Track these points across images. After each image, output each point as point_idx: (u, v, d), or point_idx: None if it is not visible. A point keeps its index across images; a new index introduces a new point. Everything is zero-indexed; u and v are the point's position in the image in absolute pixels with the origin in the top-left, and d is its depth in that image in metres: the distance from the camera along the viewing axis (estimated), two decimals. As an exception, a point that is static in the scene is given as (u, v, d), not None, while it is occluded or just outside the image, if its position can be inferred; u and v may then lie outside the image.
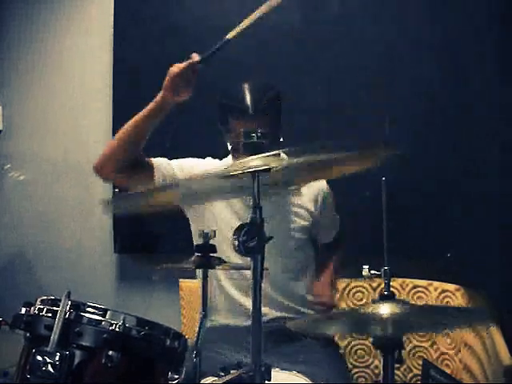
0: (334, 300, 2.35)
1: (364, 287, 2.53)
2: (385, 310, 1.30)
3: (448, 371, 2.19)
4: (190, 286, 2.65)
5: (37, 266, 3.18)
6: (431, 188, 2.64)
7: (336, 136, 2.66)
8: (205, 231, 1.60)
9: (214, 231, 1.61)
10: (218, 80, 2.77)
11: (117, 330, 1.45)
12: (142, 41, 2.97)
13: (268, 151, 1.32)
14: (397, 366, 1.30)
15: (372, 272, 1.48)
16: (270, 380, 1.48)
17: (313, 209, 2.24)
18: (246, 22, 1.93)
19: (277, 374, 1.68)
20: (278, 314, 2.15)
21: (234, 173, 1.33)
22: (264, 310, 1.34)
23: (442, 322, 1.32)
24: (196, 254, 1.60)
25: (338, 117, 2.73)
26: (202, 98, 2.80)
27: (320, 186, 2.26)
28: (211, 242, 1.59)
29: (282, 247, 2.14)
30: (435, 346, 2.38)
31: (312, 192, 2.25)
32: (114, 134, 3.01)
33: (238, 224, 1.32)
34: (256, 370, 1.31)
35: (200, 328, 1.53)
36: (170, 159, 2.22)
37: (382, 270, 1.42)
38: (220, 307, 2.18)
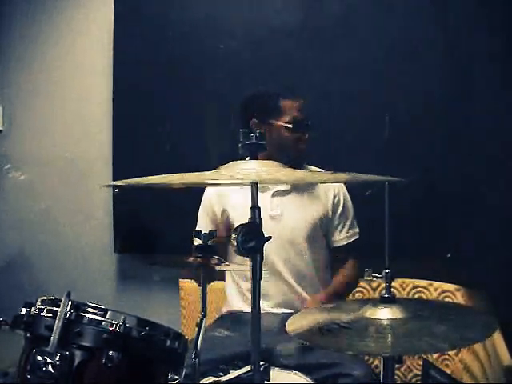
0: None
1: (364, 287, 2.53)
2: (384, 315, 1.30)
3: (448, 371, 2.18)
4: (190, 286, 2.65)
5: (37, 266, 3.18)
6: (431, 188, 2.63)
7: (336, 135, 2.67)
8: (204, 231, 1.60)
9: (214, 231, 1.61)
10: (217, 88, 2.80)
11: (117, 330, 1.45)
12: (142, 40, 2.97)
13: None
14: (397, 366, 1.29)
15: (374, 275, 1.48)
16: (269, 380, 1.48)
17: (325, 201, 2.26)
18: None
19: (277, 374, 1.68)
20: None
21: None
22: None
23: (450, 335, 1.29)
24: (196, 254, 1.60)
25: (337, 117, 2.72)
26: (201, 104, 2.85)
27: (337, 185, 2.28)
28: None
29: (297, 237, 2.20)
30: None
31: (327, 188, 2.27)
32: (113, 134, 3.04)
33: None
34: (256, 370, 1.31)
35: (200, 328, 1.53)
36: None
37: (383, 272, 1.42)
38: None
